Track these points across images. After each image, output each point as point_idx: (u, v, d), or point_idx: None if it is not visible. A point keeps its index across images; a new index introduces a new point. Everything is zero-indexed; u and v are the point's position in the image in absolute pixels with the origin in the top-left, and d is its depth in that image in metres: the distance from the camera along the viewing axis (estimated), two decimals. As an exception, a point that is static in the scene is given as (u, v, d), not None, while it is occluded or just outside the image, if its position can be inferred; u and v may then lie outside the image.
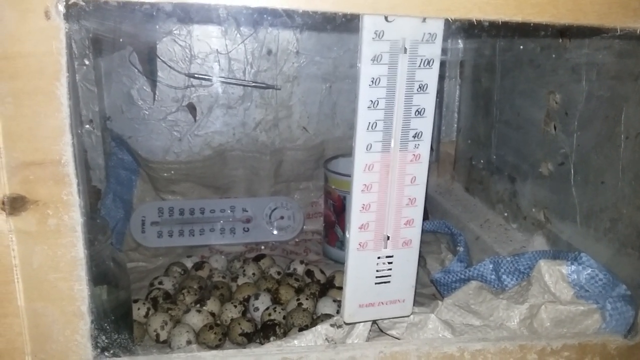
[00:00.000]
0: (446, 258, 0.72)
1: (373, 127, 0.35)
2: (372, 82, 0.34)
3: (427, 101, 0.36)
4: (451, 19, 0.34)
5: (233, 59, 0.80)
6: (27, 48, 0.30)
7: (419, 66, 0.35)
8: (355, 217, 0.37)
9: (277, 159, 0.85)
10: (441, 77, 0.86)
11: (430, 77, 0.36)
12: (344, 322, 0.40)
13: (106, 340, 0.36)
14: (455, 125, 0.87)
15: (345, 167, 0.78)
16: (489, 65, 0.75)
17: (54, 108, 0.31)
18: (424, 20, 0.34)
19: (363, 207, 0.37)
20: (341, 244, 0.78)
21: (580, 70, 0.55)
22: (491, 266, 0.54)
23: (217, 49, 0.79)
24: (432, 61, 0.35)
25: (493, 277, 0.53)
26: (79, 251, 0.33)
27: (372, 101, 0.35)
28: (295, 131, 0.86)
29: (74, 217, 0.33)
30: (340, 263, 0.78)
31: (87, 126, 0.62)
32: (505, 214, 0.71)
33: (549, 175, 0.61)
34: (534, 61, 0.64)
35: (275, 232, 0.84)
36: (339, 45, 0.82)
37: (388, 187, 0.37)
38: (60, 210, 0.33)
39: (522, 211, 0.67)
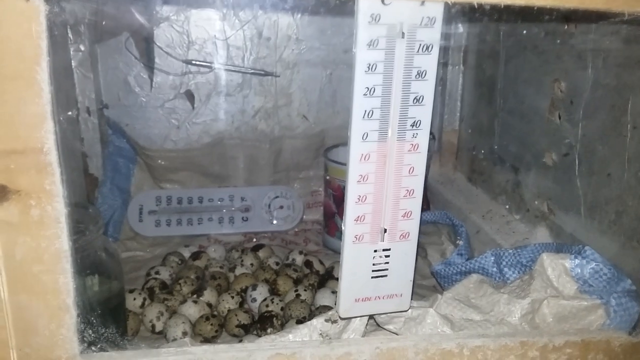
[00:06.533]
0: (447, 249, 0.71)
1: (369, 116, 0.34)
2: (368, 68, 0.33)
3: (426, 88, 0.35)
4: (451, 2, 0.32)
5: (231, 45, 0.79)
6: (5, 30, 0.29)
7: (418, 52, 0.33)
8: (351, 209, 0.36)
9: (276, 148, 0.84)
10: (444, 65, 0.84)
11: (429, 63, 0.34)
12: (339, 317, 0.39)
13: (93, 335, 0.35)
14: (458, 114, 0.86)
15: (346, 156, 0.76)
16: (492, 52, 0.73)
17: (34, 94, 0.30)
18: (423, 3, 0.32)
19: (359, 199, 0.36)
20: (341, 234, 0.76)
21: (586, 57, 0.53)
22: (492, 258, 0.53)
23: (215, 35, 0.77)
24: (431, 46, 0.34)
25: (494, 269, 0.52)
26: (64, 243, 0.32)
27: (368, 88, 0.33)
28: (295, 119, 0.84)
29: (58, 207, 0.32)
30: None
31: (70, 113, 0.60)
32: (508, 205, 0.70)
33: (553, 166, 0.59)
34: (539, 48, 0.62)
35: (274, 221, 0.83)
36: (339, 31, 0.80)
37: (385, 178, 0.36)
38: (43, 201, 0.31)
39: (525, 202, 0.66)
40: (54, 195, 0.31)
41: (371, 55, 0.33)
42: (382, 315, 0.41)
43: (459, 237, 0.63)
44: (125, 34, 0.75)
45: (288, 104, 0.83)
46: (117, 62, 0.77)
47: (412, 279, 0.39)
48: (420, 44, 0.33)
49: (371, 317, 0.41)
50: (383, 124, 0.35)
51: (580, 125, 0.55)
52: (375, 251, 0.38)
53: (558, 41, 0.58)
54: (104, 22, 0.71)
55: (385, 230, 0.37)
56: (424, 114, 0.35)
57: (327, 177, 0.77)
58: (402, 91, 0.34)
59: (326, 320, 0.39)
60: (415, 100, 0.35)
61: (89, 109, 0.75)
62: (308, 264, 0.71)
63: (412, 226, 0.38)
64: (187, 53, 0.78)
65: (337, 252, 0.76)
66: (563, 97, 0.58)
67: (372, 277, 0.38)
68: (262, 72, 0.80)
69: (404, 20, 0.33)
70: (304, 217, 0.85)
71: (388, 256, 0.38)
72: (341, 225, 0.74)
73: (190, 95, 0.80)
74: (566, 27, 0.56)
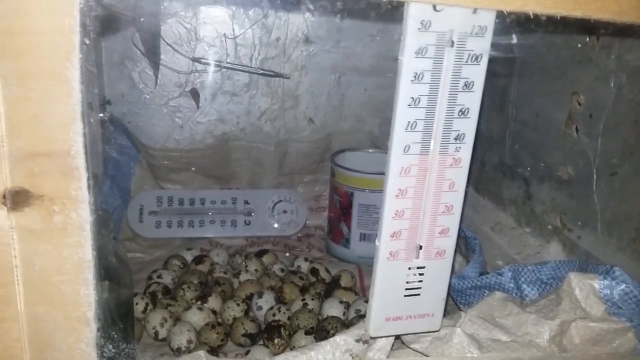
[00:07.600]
0: (456, 261, 0.69)
1: (413, 127, 0.32)
2: (415, 77, 0.31)
3: (473, 100, 0.33)
4: (506, 12, 0.31)
5: (240, 44, 0.77)
6: (36, 24, 0.27)
7: (466, 62, 0.32)
8: (387, 224, 0.34)
9: (281, 151, 0.82)
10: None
11: (477, 74, 0.32)
12: (370, 337, 0.37)
13: (113, 350, 0.33)
14: (468, 123, 0.84)
15: (353, 161, 0.75)
16: (507, 61, 0.72)
17: (64, 92, 0.28)
18: (475, 11, 0.31)
19: (396, 214, 0.34)
20: (346, 241, 0.75)
21: (609, 71, 0.52)
22: (510, 274, 0.51)
23: (224, 33, 0.75)
24: (480, 57, 0.32)
25: (512, 285, 0.51)
26: (87, 252, 0.30)
27: (413, 98, 0.32)
28: (302, 122, 0.83)
29: (83, 214, 0.30)
30: (345, 261, 0.75)
31: (102, 115, 0.58)
32: (518, 217, 0.69)
33: (568, 180, 0.58)
34: (557, 60, 0.61)
35: (277, 226, 0.81)
36: (350, 35, 0.79)
37: (424, 193, 0.34)
38: (67, 207, 0.29)
39: (536, 215, 0.65)
40: (80, 202, 0.29)
41: (419, 64, 0.31)
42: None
43: (472, 250, 0.62)
44: (132, 29, 0.73)
45: (295, 106, 0.81)
46: (122, 57, 0.74)
47: (444, 298, 0.37)
48: (469, 54, 0.32)
49: (397, 336, 0.40)
50: (426, 136, 0.33)
51: (599, 139, 0.54)
52: (409, 269, 0.36)
53: (578, 54, 0.57)
54: (110, 16, 0.69)
55: (420, 247, 0.36)
56: (469, 127, 0.34)
57: (334, 183, 0.75)
58: (447, 102, 0.33)
59: (357, 341, 0.37)
60: (460, 113, 0.33)
61: (91, 105, 0.73)
62: (314, 271, 0.69)
63: (449, 244, 0.36)
64: (194, 50, 0.75)
65: (342, 260, 0.75)
66: (582, 110, 0.56)
67: (404, 296, 0.37)
68: (272, 73, 0.78)
69: (454, 28, 0.31)
70: (307, 222, 0.83)
71: (422, 274, 0.36)
72: (346, 232, 0.73)
73: (195, 94, 0.78)
74: (588, 39, 0.55)
